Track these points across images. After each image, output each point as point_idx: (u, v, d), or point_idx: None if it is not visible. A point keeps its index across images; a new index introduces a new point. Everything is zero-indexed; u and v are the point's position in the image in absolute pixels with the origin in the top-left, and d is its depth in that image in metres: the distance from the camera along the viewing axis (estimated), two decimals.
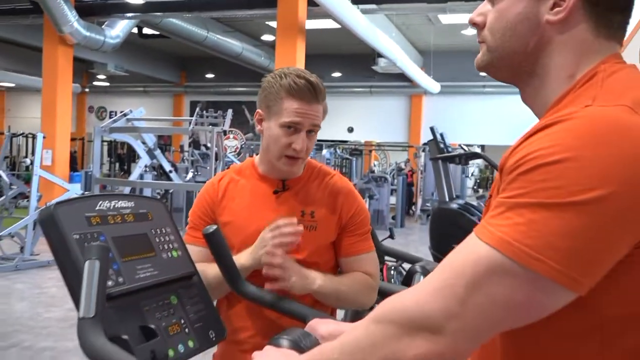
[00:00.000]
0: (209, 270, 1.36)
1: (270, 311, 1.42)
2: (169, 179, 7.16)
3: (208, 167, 10.09)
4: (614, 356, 0.72)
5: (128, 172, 19.80)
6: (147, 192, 8.93)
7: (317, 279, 1.42)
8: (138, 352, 0.94)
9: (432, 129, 5.97)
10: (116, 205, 1.13)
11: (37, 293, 5.77)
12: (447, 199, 5.91)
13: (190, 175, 8.86)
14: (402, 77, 15.15)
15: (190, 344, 1.10)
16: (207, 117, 6.64)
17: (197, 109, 6.69)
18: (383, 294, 1.52)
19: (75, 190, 7.47)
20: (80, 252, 0.98)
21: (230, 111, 6.73)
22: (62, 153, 10.17)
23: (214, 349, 1.56)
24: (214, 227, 1.28)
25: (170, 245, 1.20)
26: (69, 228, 0.99)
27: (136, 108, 7.51)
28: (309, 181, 1.56)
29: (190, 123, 6.84)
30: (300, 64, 8.78)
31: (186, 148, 11.60)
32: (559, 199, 0.65)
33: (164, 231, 1.20)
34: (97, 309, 0.88)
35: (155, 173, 9.65)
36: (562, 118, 0.69)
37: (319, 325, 1.09)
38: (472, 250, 0.69)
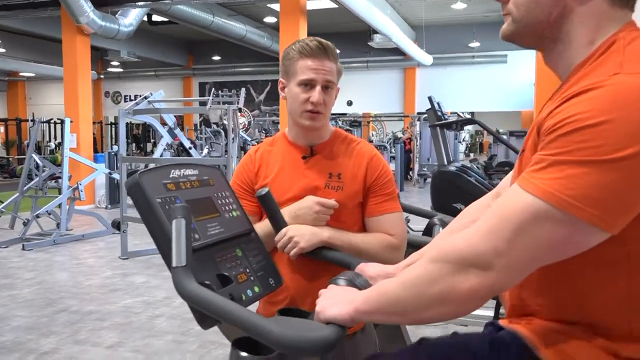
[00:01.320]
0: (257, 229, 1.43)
1: (308, 275, 1.48)
2: (189, 155, 7.21)
3: (221, 144, 10.16)
4: None
5: (144, 151, 19.88)
6: None
7: (325, 231, 1.43)
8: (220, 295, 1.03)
9: (430, 99, 6.01)
10: (185, 173, 1.20)
11: (75, 264, 5.89)
12: (445, 162, 5.99)
13: (205, 151, 8.92)
14: (396, 51, 15.08)
15: (256, 289, 1.18)
16: (222, 96, 6.66)
17: (212, 90, 6.72)
18: (411, 245, 1.59)
19: (102, 169, 7.54)
20: (164, 213, 1.06)
21: (243, 90, 6.76)
22: (85, 136, 10.21)
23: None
24: (266, 189, 1.36)
25: (231, 207, 1.28)
26: (152, 193, 1.07)
27: (148, 91, 7.54)
28: (335, 147, 1.58)
29: (206, 103, 6.87)
30: None
31: (198, 127, 11.64)
32: (595, 157, 0.71)
33: (224, 194, 1.28)
34: (188, 259, 0.95)
35: (172, 151, 9.71)
36: (594, 85, 0.75)
37: (366, 268, 1.18)
38: (518, 200, 0.76)
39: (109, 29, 10.08)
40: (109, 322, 3.98)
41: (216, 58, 18.67)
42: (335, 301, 0.95)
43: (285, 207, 1.46)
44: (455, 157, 12.89)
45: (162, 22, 13.07)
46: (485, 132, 26.81)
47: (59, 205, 6.98)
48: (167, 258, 1.05)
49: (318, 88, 1.49)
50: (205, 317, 1.03)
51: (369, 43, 14.51)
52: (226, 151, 10.63)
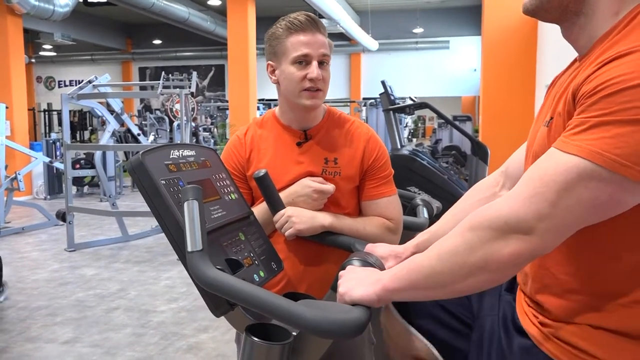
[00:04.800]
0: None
1: (304, 259, 1.44)
2: (136, 142, 6.96)
3: (167, 130, 9.87)
4: None
5: (81, 140, 19.01)
6: (110, 155, 8.65)
7: (327, 217, 1.39)
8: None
9: (383, 83, 6.02)
10: (183, 154, 1.14)
11: (18, 257, 5.58)
12: (399, 146, 6.05)
13: (152, 138, 8.64)
14: (341, 36, 15.05)
15: (261, 274, 1.14)
16: (172, 80, 6.44)
17: (163, 73, 6.48)
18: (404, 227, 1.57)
19: (42, 158, 7.16)
20: (169, 196, 1.00)
21: (195, 73, 6.55)
22: (20, 123, 9.67)
23: None
24: (264, 171, 1.31)
25: (229, 189, 1.22)
26: (157, 174, 1.00)
27: (85, 76, 7.16)
28: (329, 129, 1.50)
29: (147, 88, 6.62)
30: (251, 26, 8.60)
31: (136, 113, 11.23)
32: None
33: (221, 176, 1.23)
34: (204, 243, 0.90)
35: (116, 138, 9.32)
36: (632, 49, 0.75)
37: (375, 248, 1.16)
38: (559, 162, 0.76)
39: (42, 9, 9.52)
40: (61, 317, 3.79)
41: (157, 42, 18.06)
42: (360, 282, 0.93)
43: (281, 193, 1.41)
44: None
45: (99, 3, 12.51)
46: (427, 118, 27.37)
47: None
48: (175, 242, 0.99)
49: (315, 63, 1.39)
50: (219, 304, 0.98)
51: None
52: (171, 138, 10.36)
